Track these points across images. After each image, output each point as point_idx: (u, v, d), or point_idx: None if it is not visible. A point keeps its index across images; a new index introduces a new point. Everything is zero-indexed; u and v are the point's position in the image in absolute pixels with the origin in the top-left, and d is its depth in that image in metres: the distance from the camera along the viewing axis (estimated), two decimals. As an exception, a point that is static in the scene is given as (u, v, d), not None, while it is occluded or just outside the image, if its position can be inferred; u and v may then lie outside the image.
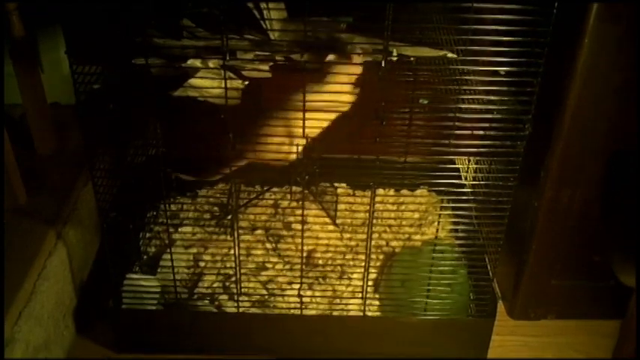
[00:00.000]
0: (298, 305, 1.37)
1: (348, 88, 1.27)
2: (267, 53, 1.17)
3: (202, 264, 1.50)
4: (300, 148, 1.24)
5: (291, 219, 1.58)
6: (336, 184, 1.74)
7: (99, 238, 1.53)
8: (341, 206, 1.66)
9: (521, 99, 1.15)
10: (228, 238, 1.53)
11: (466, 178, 1.59)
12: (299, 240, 1.30)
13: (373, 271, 1.48)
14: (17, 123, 1.53)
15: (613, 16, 1.19)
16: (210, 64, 1.15)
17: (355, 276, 1.46)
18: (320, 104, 1.21)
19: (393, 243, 1.57)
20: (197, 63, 1.15)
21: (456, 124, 1.17)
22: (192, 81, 1.18)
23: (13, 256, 1.24)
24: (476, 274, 1.38)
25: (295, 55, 1.14)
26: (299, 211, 1.32)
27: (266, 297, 1.42)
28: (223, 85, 1.14)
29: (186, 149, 1.31)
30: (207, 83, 1.17)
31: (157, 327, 1.39)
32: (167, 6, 1.19)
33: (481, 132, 1.23)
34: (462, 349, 1.39)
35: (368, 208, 1.27)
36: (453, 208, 1.43)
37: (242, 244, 1.44)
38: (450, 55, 1.16)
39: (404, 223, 1.63)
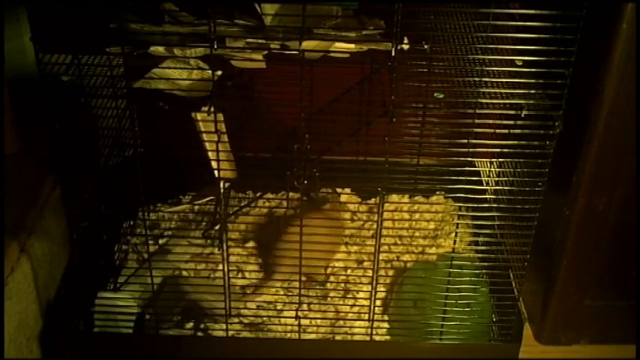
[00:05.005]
0: (296, 328, 1.37)
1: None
2: (260, 41, 1.18)
3: (186, 281, 1.50)
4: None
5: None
6: (339, 190, 1.74)
7: (68, 251, 1.53)
8: (345, 215, 1.66)
9: (551, 92, 1.15)
10: (216, 251, 1.53)
11: (488, 183, 1.60)
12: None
13: (382, 289, 1.49)
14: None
15: (655, -2, 1.19)
16: (176, 51, 1.16)
17: (361, 295, 1.46)
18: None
19: (405, 257, 1.57)
20: (160, 50, 1.16)
21: (476, 121, 1.17)
22: (157, 71, 1.18)
23: (-31, 271, 1.24)
24: (499, 293, 1.38)
25: (292, 43, 1.14)
26: (297, 221, 1.33)
27: (259, 319, 1.42)
28: (193, 77, 1.14)
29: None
30: (175, 74, 1.18)
31: (133, 353, 1.39)
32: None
33: (505, 130, 1.24)
34: (483, 378, 1.39)
35: (376, 217, 1.27)
36: (473, 217, 1.43)
37: (231, 259, 1.44)
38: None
39: (417, 234, 1.64)
